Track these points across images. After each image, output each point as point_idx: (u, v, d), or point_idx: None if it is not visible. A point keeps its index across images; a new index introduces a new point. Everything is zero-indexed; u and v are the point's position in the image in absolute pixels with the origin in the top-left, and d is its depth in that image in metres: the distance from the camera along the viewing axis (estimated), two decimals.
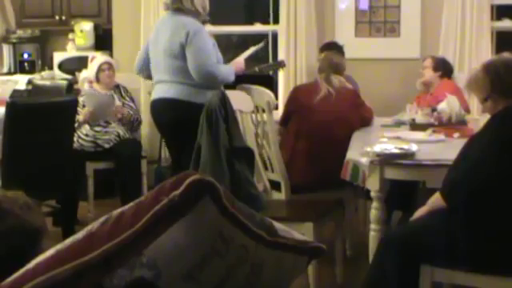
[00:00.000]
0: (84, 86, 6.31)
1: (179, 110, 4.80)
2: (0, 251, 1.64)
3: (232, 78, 4.91)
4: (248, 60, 5.40)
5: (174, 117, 4.84)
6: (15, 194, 1.80)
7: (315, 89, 4.92)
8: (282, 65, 6.28)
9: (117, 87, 6.26)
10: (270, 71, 6.17)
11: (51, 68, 7.23)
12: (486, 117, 3.40)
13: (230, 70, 4.92)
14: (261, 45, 5.61)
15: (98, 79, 6.16)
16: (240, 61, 5.19)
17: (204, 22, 5.04)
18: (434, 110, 4.87)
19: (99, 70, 6.15)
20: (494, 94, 3.22)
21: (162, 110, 4.90)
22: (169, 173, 5.71)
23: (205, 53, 4.71)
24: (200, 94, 4.72)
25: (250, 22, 7.27)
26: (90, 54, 6.83)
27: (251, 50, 5.48)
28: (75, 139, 5.78)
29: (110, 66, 6.21)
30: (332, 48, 5.93)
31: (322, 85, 4.92)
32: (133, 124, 6.17)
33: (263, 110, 4.45)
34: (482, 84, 3.27)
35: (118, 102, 6.15)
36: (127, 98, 6.27)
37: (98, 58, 6.25)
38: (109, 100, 6.02)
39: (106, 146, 5.98)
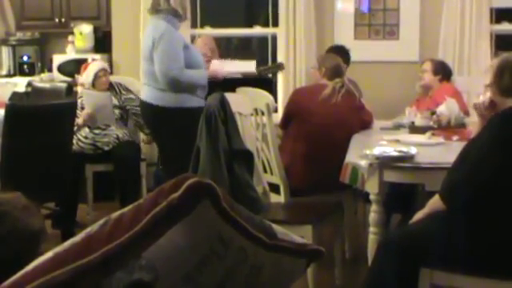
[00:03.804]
0: (79, 89, 6.32)
1: (152, 113, 5.08)
2: (1, 254, 1.64)
3: (203, 82, 5.05)
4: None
5: (148, 118, 5.22)
6: (14, 196, 1.80)
7: (318, 89, 4.90)
8: (280, 67, 6.30)
9: (111, 86, 6.26)
10: (268, 74, 6.19)
11: (51, 70, 7.23)
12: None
13: (199, 74, 5.04)
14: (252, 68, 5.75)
15: (93, 85, 6.17)
16: (220, 68, 5.38)
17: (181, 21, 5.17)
18: (433, 113, 4.87)
19: (96, 76, 6.15)
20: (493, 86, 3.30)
21: (142, 111, 5.26)
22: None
23: (169, 57, 4.87)
24: (170, 97, 4.94)
25: (250, 25, 7.28)
26: (90, 56, 6.85)
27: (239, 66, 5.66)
28: (74, 141, 5.79)
29: (105, 72, 6.24)
30: (334, 51, 5.94)
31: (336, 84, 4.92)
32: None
33: (262, 113, 4.46)
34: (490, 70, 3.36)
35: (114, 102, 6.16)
36: (123, 92, 6.27)
37: (93, 65, 6.24)
38: (106, 100, 6.03)
39: (106, 148, 5.98)
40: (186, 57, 4.92)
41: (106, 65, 6.42)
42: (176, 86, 4.88)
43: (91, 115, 5.96)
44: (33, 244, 1.68)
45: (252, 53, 7.97)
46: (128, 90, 6.30)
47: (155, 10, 5.03)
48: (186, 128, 4.55)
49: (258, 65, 6.57)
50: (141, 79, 5.28)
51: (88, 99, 6.02)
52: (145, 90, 5.12)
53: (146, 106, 5.09)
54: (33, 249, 1.64)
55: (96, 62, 6.37)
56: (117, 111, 6.13)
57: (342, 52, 5.93)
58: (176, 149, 4.86)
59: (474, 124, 4.10)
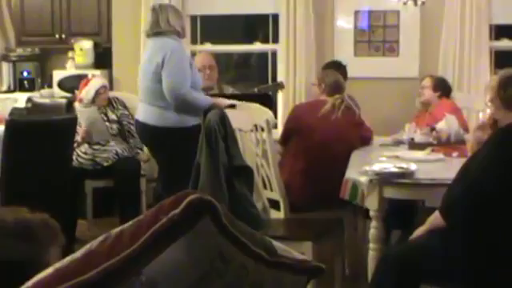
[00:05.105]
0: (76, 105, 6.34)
1: (153, 134, 5.06)
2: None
3: (205, 106, 5.00)
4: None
5: (148, 140, 5.23)
6: (21, 212, 1.80)
7: (318, 105, 4.91)
8: (280, 86, 6.32)
9: (108, 101, 6.26)
10: (269, 92, 6.20)
11: (51, 86, 7.23)
12: None
13: (206, 99, 5.09)
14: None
15: (93, 101, 6.17)
16: (223, 101, 5.25)
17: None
18: (432, 129, 4.88)
19: (97, 93, 6.16)
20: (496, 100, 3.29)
21: (142, 133, 5.23)
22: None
23: (179, 74, 4.89)
24: (170, 116, 4.94)
25: (250, 41, 7.30)
26: (90, 72, 6.85)
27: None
28: (74, 157, 5.79)
29: (106, 89, 6.27)
30: (330, 67, 5.95)
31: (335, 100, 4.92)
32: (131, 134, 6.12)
33: (262, 129, 4.46)
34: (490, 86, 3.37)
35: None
36: (120, 107, 6.28)
37: (94, 82, 6.24)
38: (95, 115, 6.05)
39: (105, 163, 5.98)
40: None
41: (105, 81, 6.44)
42: (181, 103, 4.86)
43: (87, 132, 5.97)
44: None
45: (251, 69, 7.99)
46: (124, 106, 6.31)
47: (154, 32, 5.02)
48: (187, 146, 4.56)
49: (258, 84, 6.59)
50: (139, 97, 5.22)
51: (80, 116, 6.02)
52: (144, 110, 5.07)
53: (145, 128, 5.06)
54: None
55: (97, 79, 6.36)
56: (115, 126, 6.14)
57: (338, 67, 5.94)
58: (176, 168, 4.85)
59: (468, 141, 4.09)
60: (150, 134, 5.06)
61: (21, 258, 1.62)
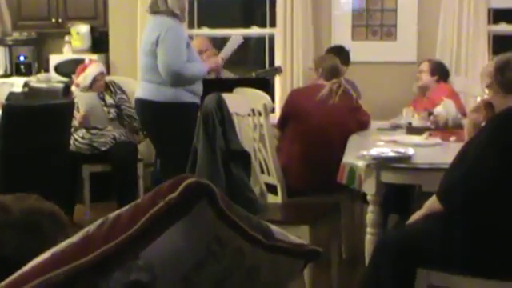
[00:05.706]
0: (73, 89, 6.32)
1: (152, 110, 5.06)
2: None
3: (203, 74, 5.11)
4: (241, 63, 5.58)
5: (147, 117, 5.17)
6: (30, 200, 1.78)
7: (315, 90, 4.90)
8: (278, 71, 6.31)
9: (106, 85, 6.26)
10: (266, 77, 6.20)
11: (47, 70, 7.22)
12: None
13: (201, 67, 5.11)
14: (239, 40, 5.68)
15: (90, 87, 6.16)
16: (216, 59, 5.40)
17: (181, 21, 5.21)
18: (430, 113, 4.87)
19: (94, 80, 6.15)
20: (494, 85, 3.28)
21: (141, 110, 5.22)
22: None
23: (174, 51, 4.90)
24: (168, 92, 4.95)
25: (247, 25, 7.28)
26: (87, 56, 6.84)
27: (229, 46, 5.63)
28: (71, 142, 5.79)
29: (103, 76, 6.26)
30: (332, 51, 5.94)
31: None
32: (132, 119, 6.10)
33: (260, 113, 4.45)
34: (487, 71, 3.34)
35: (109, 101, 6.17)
36: (118, 91, 6.27)
37: (91, 69, 6.22)
38: (95, 100, 6.04)
39: (102, 148, 5.98)
40: (187, 55, 4.94)
41: (103, 68, 6.42)
42: (178, 79, 4.89)
43: (85, 116, 5.96)
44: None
45: (249, 53, 7.96)
46: (122, 91, 6.30)
47: (153, 11, 5.06)
48: (184, 124, 4.57)
49: (256, 68, 6.58)
50: (138, 78, 5.26)
51: (79, 100, 6.02)
52: (143, 87, 5.09)
53: (144, 104, 5.07)
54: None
55: (95, 66, 6.33)
56: (113, 110, 6.13)
57: (341, 52, 5.93)
58: (174, 151, 4.86)
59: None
60: (148, 110, 5.06)
61: (23, 251, 1.60)
